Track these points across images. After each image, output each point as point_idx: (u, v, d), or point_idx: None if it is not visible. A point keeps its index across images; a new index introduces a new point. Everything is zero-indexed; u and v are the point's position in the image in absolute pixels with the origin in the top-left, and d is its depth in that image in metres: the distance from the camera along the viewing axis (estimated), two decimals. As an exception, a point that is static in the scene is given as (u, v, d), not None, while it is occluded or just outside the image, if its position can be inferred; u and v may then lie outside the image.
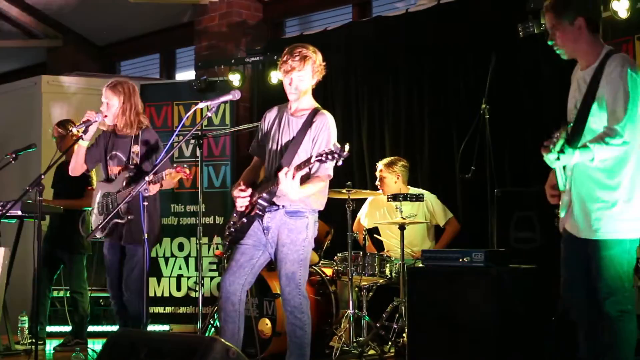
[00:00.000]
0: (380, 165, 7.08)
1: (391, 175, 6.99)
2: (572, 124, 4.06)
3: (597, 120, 4.00)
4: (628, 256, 4.04)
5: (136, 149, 5.72)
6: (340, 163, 4.42)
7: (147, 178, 4.86)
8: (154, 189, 5.38)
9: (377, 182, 7.10)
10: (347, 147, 4.37)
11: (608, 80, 3.96)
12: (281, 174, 4.57)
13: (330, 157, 4.39)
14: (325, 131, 4.85)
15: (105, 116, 5.74)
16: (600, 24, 4.19)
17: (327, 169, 4.75)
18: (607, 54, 4.05)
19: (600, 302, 4.02)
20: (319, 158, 4.43)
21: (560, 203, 4.22)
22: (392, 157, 7.12)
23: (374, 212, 7.22)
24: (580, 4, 4.13)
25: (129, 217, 5.52)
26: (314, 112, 4.93)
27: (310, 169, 4.71)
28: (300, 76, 4.89)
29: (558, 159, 3.80)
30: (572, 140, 3.96)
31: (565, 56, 4.22)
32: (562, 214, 4.21)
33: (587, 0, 4.18)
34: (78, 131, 5.89)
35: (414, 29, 7.55)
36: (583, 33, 4.09)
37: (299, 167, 4.55)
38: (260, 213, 4.87)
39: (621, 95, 3.90)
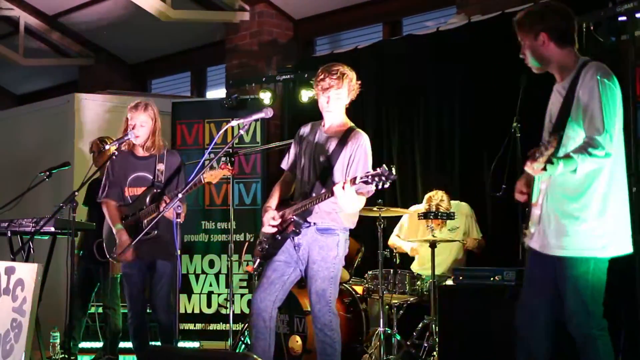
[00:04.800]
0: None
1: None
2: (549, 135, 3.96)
3: (572, 131, 3.93)
4: (592, 278, 3.90)
5: (161, 167, 5.74)
6: (387, 186, 4.36)
7: (179, 195, 4.87)
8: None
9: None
10: (394, 169, 4.32)
11: (584, 90, 3.90)
12: (337, 188, 4.52)
13: (377, 178, 4.33)
14: (362, 150, 4.84)
15: (137, 137, 5.76)
16: (575, 35, 4.10)
17: (370, 187, 4.66)
18: (583, 64, 4.00)
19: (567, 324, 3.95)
20: (365, 179, 4.39)
21: (530, 218, 4.13)
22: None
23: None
24: (544, 19, 4.07)
25: (155, 232, 5.48)
26: (349, 131, 4.92)
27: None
28: (338, 94, 4.88)
29: (545, 169, 3.73)
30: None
31: (535, 70, 4.20)
32: (532, 230, 4.11)
33: (552, 16, 4.08)
34: (111, 148, 5.92)
35: (445, 48, 7.56)
36: (548, 47, 4.06)
37: (353, 181, 4.48)
38: (296, 231, 4.85)
39: (598, 105, 3.82)
